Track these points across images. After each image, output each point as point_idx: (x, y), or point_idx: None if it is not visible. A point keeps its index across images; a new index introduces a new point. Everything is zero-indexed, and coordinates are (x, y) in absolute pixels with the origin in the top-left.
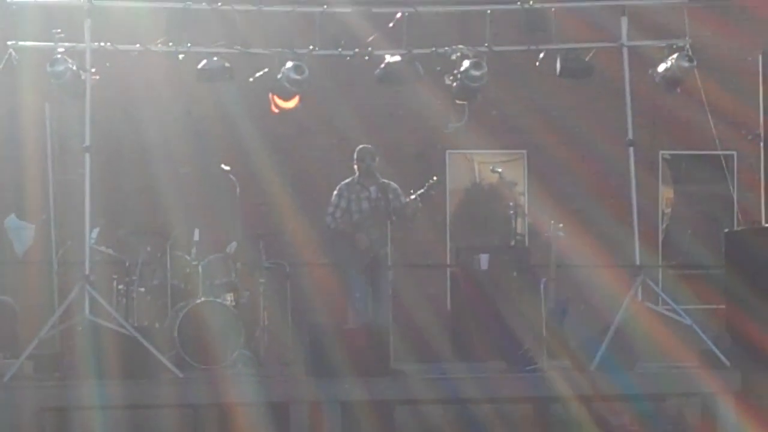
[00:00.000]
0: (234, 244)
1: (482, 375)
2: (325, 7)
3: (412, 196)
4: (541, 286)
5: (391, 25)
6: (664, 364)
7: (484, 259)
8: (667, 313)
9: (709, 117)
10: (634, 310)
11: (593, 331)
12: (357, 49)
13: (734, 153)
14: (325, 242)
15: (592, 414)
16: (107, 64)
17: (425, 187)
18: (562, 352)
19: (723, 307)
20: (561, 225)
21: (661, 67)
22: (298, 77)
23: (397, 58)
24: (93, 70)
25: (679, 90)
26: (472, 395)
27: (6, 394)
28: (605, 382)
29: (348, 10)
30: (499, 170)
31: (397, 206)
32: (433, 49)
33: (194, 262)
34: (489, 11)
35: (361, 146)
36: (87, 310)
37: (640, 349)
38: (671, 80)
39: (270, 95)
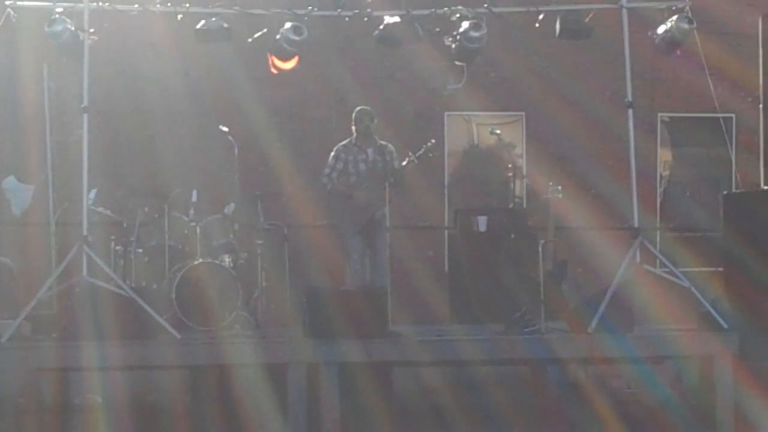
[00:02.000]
0: (232, 205)
1: (480, 337)
2: None
3: (410, 158)
4: (540, 249)
5: None
6: (662, 326)
7: (482, 221)
8: (665, 275)
9: (709, 79)
10: (632, 272)
11: (591, 294)
12: (356, 10)
13: (733, 115)
14: (322, 204)
15: (589, 376)
16: (105, 25)
17: (423, 149)
18: (560, 314)
19: (721, 269)
20: (559, 187)
21: (661, 29)
22: (296, 38)
23: (397, 18)
24: (91, 30)
25: (678, 52)
26: (469, 357)
27: (4, 354)
28: (603, 345)
29: None
30: (498, 132)
31: (393, 168)
32: (433, 10)
33: (192, 223)
34: None
35: (359, 108)
36: (85, 271)
37: (638, 311)
38: (671, 42)
39: (268, 56)
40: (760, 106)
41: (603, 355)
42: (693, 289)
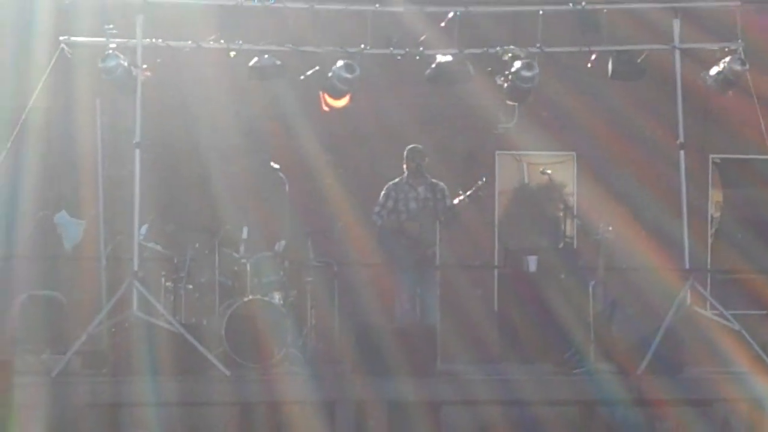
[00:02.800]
0: (282, 242)
1: (530, 377)
2: (378, 5)
3: (461, 197)
4: (590, 289)
5: (442, 24)
6: (713, 368)
7: (532, 261)
8: (715, 317)
9: (761, 120)
10: (683, 314)
11: (641, 334)
12: (408, 48)
13: None
14: (373, 241)
15: (639, 418)
16: (158, 61)
17: (474, 188)
18: (610, 354)
19: None
20: (610, 227)
21: (713, 70)
22: (349, 76)
23: (449, 57)
24: (144, 66)
25: (731, 93)
26: (519, 397)
27: (54, 389)
28: (653, 386)
29: (400, 8)
30: (549, 171)
31: (444, 207)
32: (485, 49)
33: (242, 260)
34: (541, 12)
35: (410, 146)
36: (135, 306)
37: (688, 353)
38: (723, 83)
39: (321, 93)
40: None
41: (652, 397)
42: (743, 331)
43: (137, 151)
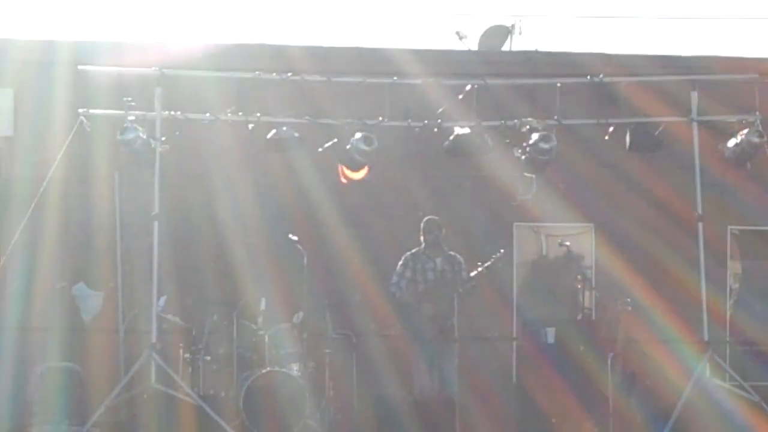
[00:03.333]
0: (300, 313)
1: None
2: (395, 78)
3: (479, 269)
4: (608, 361)
5: (460, 96)
6: None
7: (550, 333)
8: (735, 389)
9: None
10: (702, 386)
11: (660, 407)
12: (426, 121)
13: None
14: (391, 312)
15: None
16: (177, 133)
17: (492, 259)
18: (629, 427)
19: None
20: (629, 299)
21: (731, 142)
22: (367, 148)
23: (467, 129)
24: (163, 138)
25: (749, 165)
26: None
27: None
28: None
29: (418, 81)
30: (567, 243)
31: (462, 279)
32: (503, 121)
33: (261, 332)
34: (559, 84)
35: (428, 217)
36: (153, 378)
37: (707, 426)
38: (741, 155)
39: (339, 165)
40: None
41: None
42: (762, 404)
43: (156, 223)
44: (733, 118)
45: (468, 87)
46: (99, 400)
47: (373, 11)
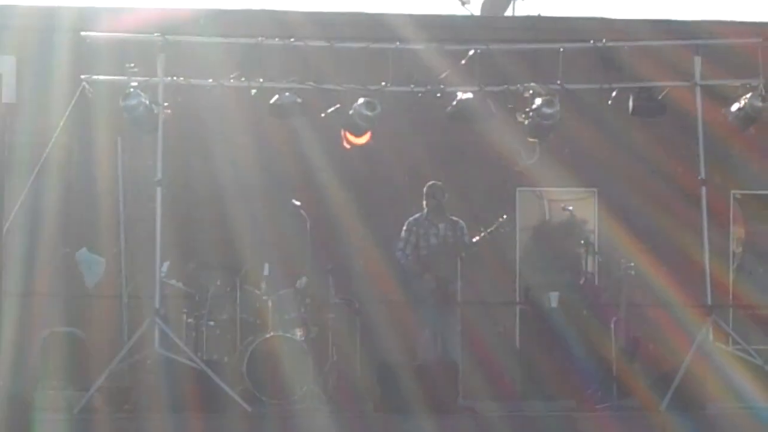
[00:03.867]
0: (304, 279)
1: (552, 413)
2: (398, 43)
3: (482, 234)
4: (612, 325)
5: (463, 62)
6: (736, 405)
7: (554, 297)
8: (738, 353)
9: None
10: (705, 350)
11: (664, 371)
12: (429, 86)
13: None
14: (394, 278)
15: None
16: (179, 99)
17: (495, 225)
18: (632, 391)
19: None
20: (632, 263)
21: (734, 107)
22: (369, 113)
23: (470, 95)
24: (165, 104)
25: (752, 129)
26: None
27: (76, 426)
28: (675, 423)
29: (420, 46)
30: (570, 208)
31: (464, 243)
32: (506, 86)
33: (264, 297)
34: (561, 49)
35: (430, 183)
36: (157, 344)
37: (710, 389)
38: (744, 119)
39: (342, 131)
40: None
41: None
42: (766, 367)
43: (158, 189)
44: (736, 83)
45: (471, 52)
46: (102, 365)
47: None
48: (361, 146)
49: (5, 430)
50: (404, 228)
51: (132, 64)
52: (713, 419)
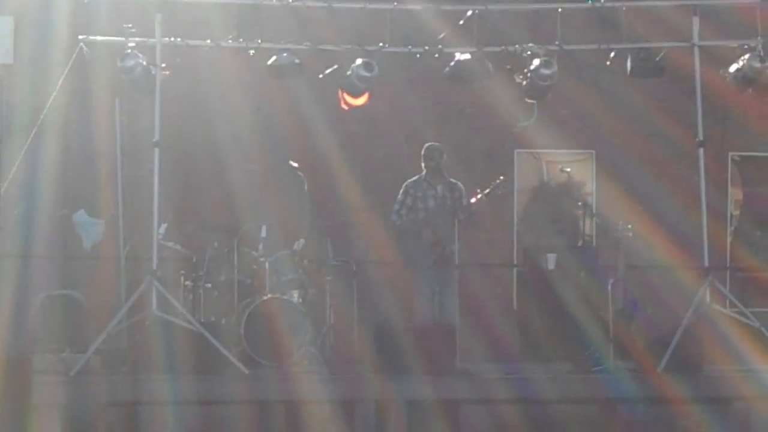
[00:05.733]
0: (301, 240)
1: (549, 375)
2: (396, 4)
3: (479, 195)
4: (609, 287)
5: (461, 22)
6: (732, 367)
7: (551, 259)
8: (735, 315)
9: None
10: (702, 311)
11: (661, 333)
12: (427, 47)
13: None
14: (391, 240)
15: (658, 416)
16: (177, 60)
17: (492, 186)
18: (629, 353)
19: None
20: (629, 225)
21: (733, 68)
22: (367, 74)
23: (467, 55)
24: (163, 65)
25: (750, 90)
26: (538, 395)
27: (73, 388)
28: (673, 384)
29: (418, 7)
30: (568, 170)
31: (462, 206)
32: (504, 47)
33: (261, 259)
34: (560, 9)
35: (428, 144)
36: (154, 306)
37: (707, 351)
38: (743, 80)
39: (339, 92)
40: None
41: (672, 395)
42: (763, 329)
43: (156, 150)
44: (734, 44)
45: (469, 13)
46: (100, 327)
47: None
48: (359, 107)
49: (4, 392)
50: (401, 190)
51: (129, 25)
52: (710, 381)
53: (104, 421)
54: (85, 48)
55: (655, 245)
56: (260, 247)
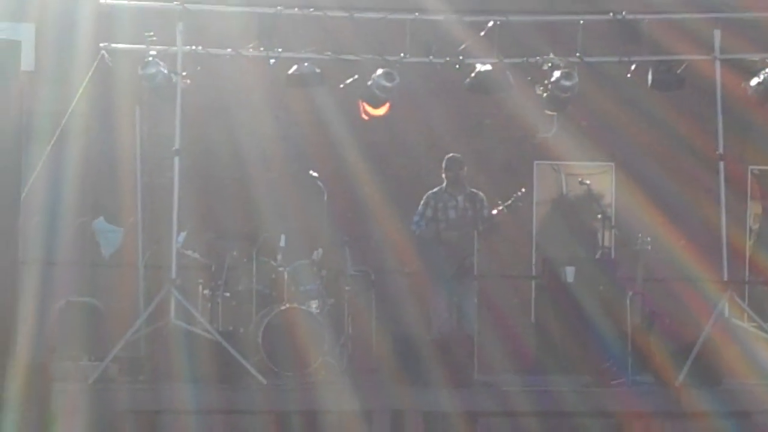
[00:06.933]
0: (320, 250)
1: (568, 388)
2: (417, 14)
3: (500, 207)
4: (628, 300)
5: (482, 33)
6: (751, 380)
7: (570, 272)
8: (753, 329)
9: None
10: (721, 325)
11: (679, 346)
12: (448, 57)
13: None
14: (411, 250)
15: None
16: (198, 68)
17: (512, 198)
18: (647, 366)
19: None
20: (648, 238)
21: (754, 81)
22: (388, 84)
23: (488, 66)
24: (184, 73)
25: None
26: (557, 408)
27: (92, 396)
28: (691, 398)
29: (440, 17)
30: (587, 182)
31: (483, 217)
32: (525, 58)
33: (280, 268)
34: (581, 21)
35: (449, 155)
36: (172, 314)
37: (726, 365)
38: (764, 94)
39: (360, 102)
40: None
41: (691, 409)
42: None
43: (176, 159)
44: (756, 57)
45: (490, 24)
46: (118, 335)
47: None
48: (380, 117)
49: (23, 399)
50: (422, 201)
51: (151, 33)
52: (729, 394)
53: (122, 429)
54: (106, 56)
55: (675, 258)
56: (279, 256)
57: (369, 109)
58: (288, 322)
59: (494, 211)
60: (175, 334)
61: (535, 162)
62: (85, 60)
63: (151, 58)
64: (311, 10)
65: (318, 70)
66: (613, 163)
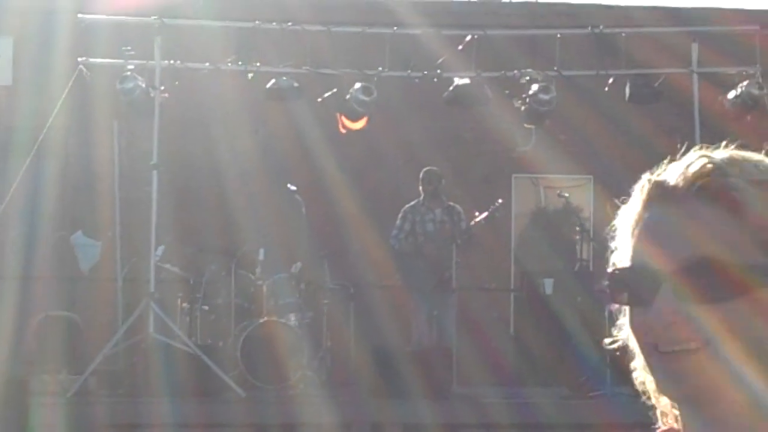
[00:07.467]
0: (299, 264)
1: (546, 400)
2: (395, 28)
3: (478, 218)
4: (606, 312)
5: (460, 47)
6: None
7: (548, 284)
8: None
9: None
10: None
11: None
12: (426, 71)
13: None
14: (389, 263)
15: None
16: (176, 82)
17: (490, 210)
18: (626, 378)
19: None
20: None
21: (731, 94)
22: (366, 98)
23: (466, 80)
24: (162, 87)
25: (749, 117)
26: (536, 420)
27: (69, 410)
28: None
29: (418, 31)
30: (566, 195)
31: (461, 229)
32: (503, 72)
33: (259, 282)
34: (559, 35)
35: (427, 168)
36: (151, 328)
37: None
38: (741, 107)
39: (338, 115)
40: None
41: None
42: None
43: (155, 173)
44: (733, 70)
45: (468, 38)
46: (97, 349)
47: None
48: (358, 131)
49: (1, 413)
50: (400, 215)
51: (129, 47)
52: None
53: None
54: (84, 70)
55: None
56: (258, 270)
57: (347, 122)
58: (267, 336)
59: (472, 222)
60: (154, 348)
61: (514, 175)
62: (63, 74)
63: (129, 73)
64: (289, 24)
65: (296, 84)
66: (591, 176)
